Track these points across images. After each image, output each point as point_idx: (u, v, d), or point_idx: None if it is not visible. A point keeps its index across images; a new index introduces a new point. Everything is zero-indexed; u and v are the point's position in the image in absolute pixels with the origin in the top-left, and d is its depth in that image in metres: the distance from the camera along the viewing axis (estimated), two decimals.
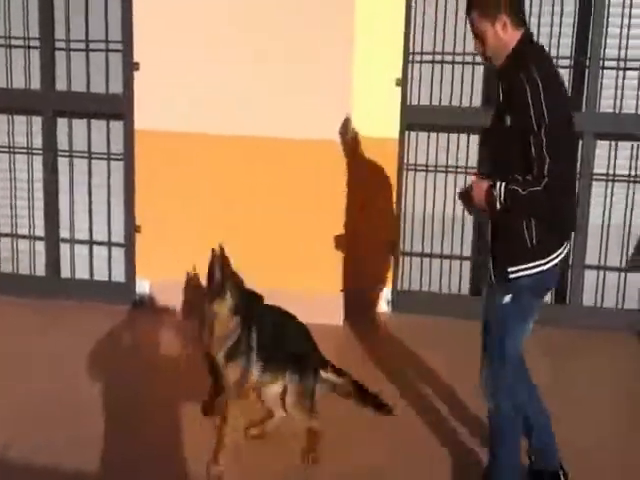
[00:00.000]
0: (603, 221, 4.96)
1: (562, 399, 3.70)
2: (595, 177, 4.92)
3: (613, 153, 4.92)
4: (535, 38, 2.91)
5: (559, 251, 2.78)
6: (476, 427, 3.50)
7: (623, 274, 4.98)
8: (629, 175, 4.94)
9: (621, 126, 4.87)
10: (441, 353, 4.39)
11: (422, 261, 5.15)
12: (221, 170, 4.77)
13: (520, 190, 2.60)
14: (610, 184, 4.95)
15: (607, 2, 4.70)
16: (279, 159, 4.73)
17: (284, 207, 4.76)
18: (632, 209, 4.94)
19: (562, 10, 4.78)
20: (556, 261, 2.78)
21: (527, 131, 2.59)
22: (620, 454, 3.44)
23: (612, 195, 4.95)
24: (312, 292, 4.65)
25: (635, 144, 4.92)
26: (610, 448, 3.48)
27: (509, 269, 2.75)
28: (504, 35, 2.73)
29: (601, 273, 4.99)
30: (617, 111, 4.86)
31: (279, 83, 4.65)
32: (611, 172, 4.93)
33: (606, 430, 3.65)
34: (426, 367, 4.26)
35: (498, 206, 2.66)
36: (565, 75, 4.89)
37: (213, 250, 3.10)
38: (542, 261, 2.74)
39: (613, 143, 4.92)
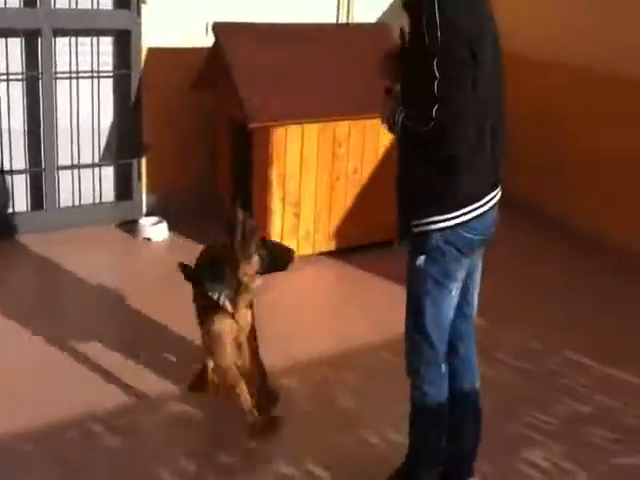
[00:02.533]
0: (71, 120, 4.95)
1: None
2: (59, 76, 4.83)
3: (74, 49, 4.87)
4: None
5: (476, 204, 2.30)
6: None
7: (97, 170, 5.11)
8: (92, 70, 4.97)
9: (78, 21, 4.82)
10: None
11: None
12: None
13: (411, 126, 2.20)
14: (74, 81, 4.92)
15: None
16: None
17: None
18: (99, 104, 5.02)
19: None
20: (474, 214, 2.30)
21: (420, 62, 2.14)
22: None
23: (78, 92, 4.95)
24: None
25: (95, 39, 4.94)
26: None
27: (413, 222, 2.32)
28: None
29: (75, 172, 5.03)
30: (73, 6, 4.77)
31: None
32: (74, 69, 4.90)
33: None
34: None
35: (394, 135, 2.32)
36: None
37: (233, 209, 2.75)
38: (453, 214, 2.27)
39: (73, 39, 4.86)
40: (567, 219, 5.17)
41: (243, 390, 2.90)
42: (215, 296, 2.81)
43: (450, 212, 2.27)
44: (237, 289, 2.81)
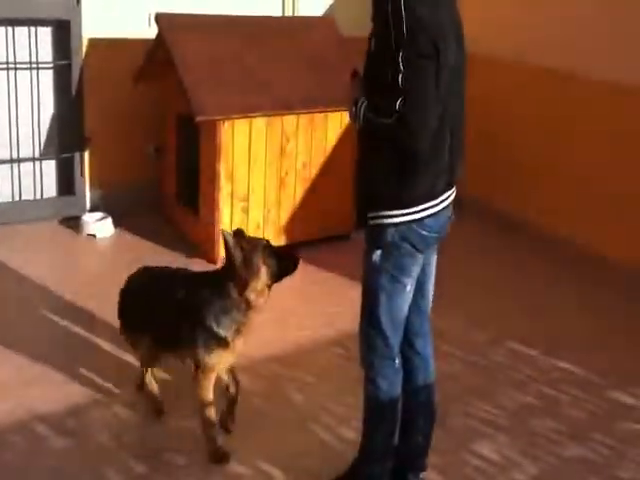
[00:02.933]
0: (10, 112, 4.80)
1: None
2: None
3: (11, 39, 4.72)
4: None
5: (432, 202, 2.31)
6: None
7: (38, 164, 4.97)
8: (30, 62, 4.82)
9: (15, 10, 4.66)
10: None
11: None
12: None
13: (373, 118, 2.20)
14: (12, 73, 4.77)
15: None
16: None
17: None
18: (38, 96, 4.88)
19: None
20: (429, 212, 2.31)
21: (386, 55, 2.14)
22: None
23: (16, 84, 4.79)
24: None
25: (33, 29, 4.79)
26: None
27: (369, 214, 2.33)
28: None
29: (15, 166, 4.88)
30: None
31: None
32: (12, 60, 4.74)
33: None
34: None
35: (357, 126, 2.29)
36: None
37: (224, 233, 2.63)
38: (408, 210, 2.28)
39: (10, 29, 4.70)
40: (516, 216, 5.26)
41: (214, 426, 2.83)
42: (222, 333, 2.69)
43: (406, 208, 2.28)
44: (246, 312, 2.70)
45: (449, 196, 2.39)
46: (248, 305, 2.69)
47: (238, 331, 2.73)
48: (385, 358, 2.46)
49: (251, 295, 2.67)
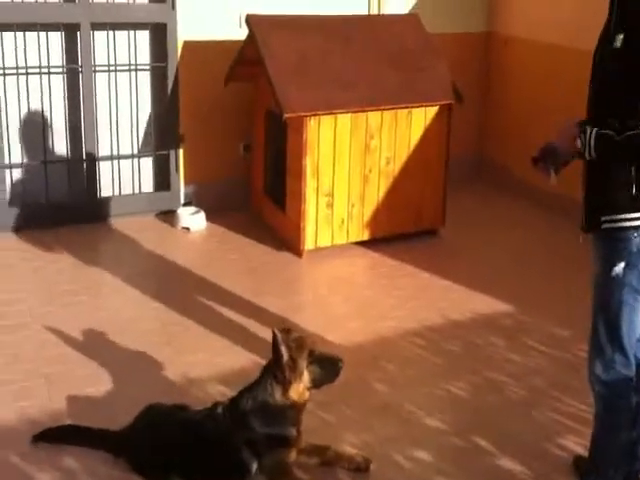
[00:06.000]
0: (110, 111, 5.09)
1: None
2: (98, 69, 4.96)
3: (112, 43, 5.00)
4: None
5: None
6: None
7: (136, 160, 5.25)
8: (129, 64, 5.09)
9: (115, 15, 4.94)
10: None
11: None
12: None
13: (615, 135, 2.10)
14: (113, 74, 5.05)
15: None
16: None
17: None
18: (137, 97, 5.15)
19: None
20: None
21: None
22: None
23: (116, 85, 5.08)
24: None
25: (131, 32, 5.06)
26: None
27: (602, 218, 2.26)
28: None
29: (115, 163, 5.18)
30: (110, 0, 4.90)
31: None
32: (112, 62, 5.03)
33: None
34: None
35: (587, 156, 2.20)
36: None
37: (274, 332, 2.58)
38: None
39: (110, 33, 4.98)
40: None
41: None
42: (286, 432, 2.61)
43: None
44: (294, 409, 2.63)
45: None
46: (293, 407, 2.62)
47: (298, 428, 2.65)
48: (624, 376, 2.38)
49: (294, 396, 2.61)
